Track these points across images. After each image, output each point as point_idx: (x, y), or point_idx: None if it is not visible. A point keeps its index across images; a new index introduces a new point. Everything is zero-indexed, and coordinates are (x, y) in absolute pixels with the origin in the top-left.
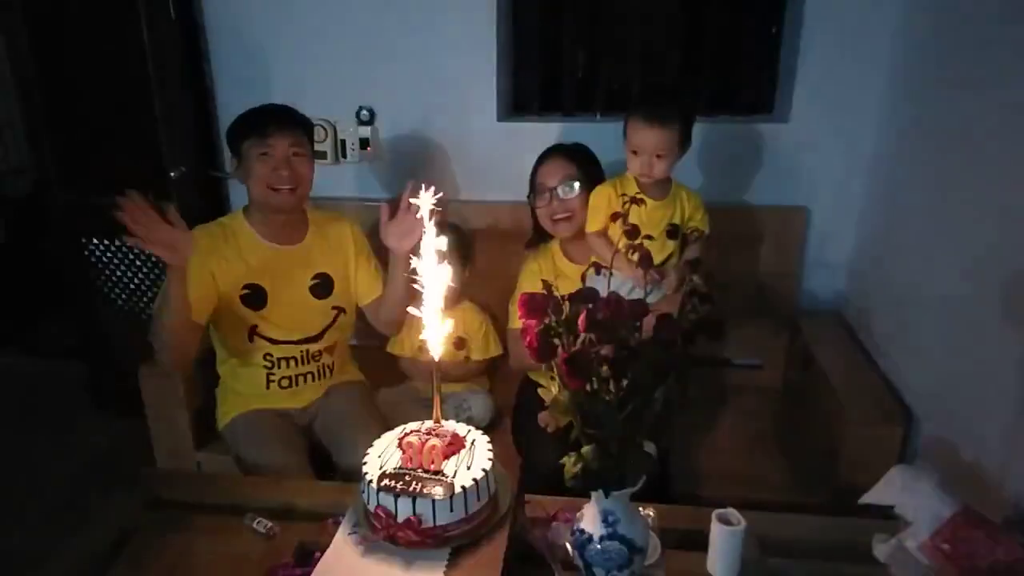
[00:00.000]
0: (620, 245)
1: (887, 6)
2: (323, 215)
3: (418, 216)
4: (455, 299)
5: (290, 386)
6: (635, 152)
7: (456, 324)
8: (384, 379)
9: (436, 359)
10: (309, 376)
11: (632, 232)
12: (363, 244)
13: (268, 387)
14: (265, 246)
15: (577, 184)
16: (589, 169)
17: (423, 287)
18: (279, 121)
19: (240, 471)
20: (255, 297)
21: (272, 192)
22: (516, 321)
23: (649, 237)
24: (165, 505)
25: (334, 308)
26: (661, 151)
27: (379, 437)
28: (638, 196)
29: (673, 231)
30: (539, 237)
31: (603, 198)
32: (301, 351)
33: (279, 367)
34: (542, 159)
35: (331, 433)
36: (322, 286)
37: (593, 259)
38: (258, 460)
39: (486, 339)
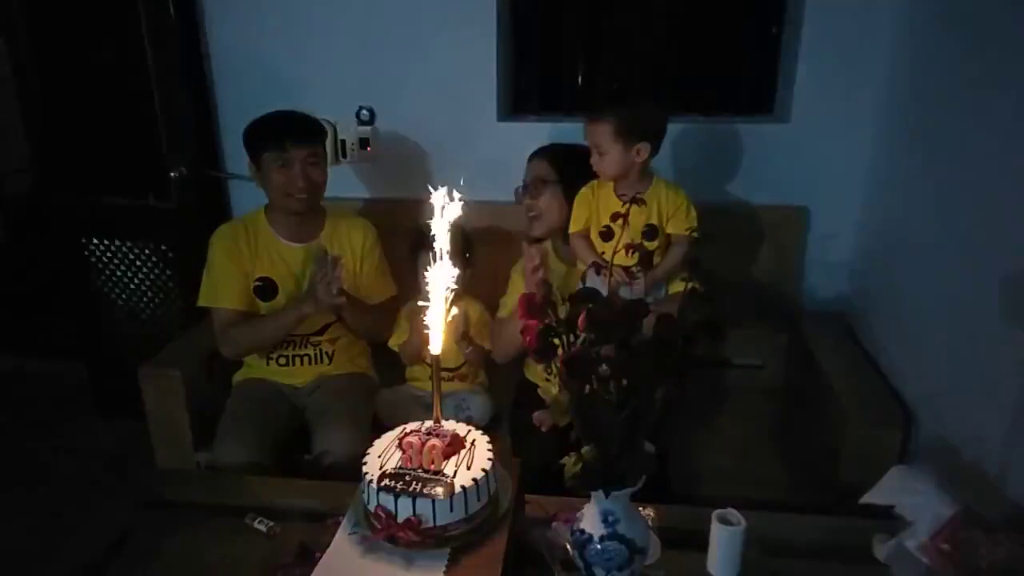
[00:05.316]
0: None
1: (887, 6)
2: (342, 214)
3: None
4: (455, 297)
5: (287, 364)
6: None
7: (458, 318)
8: (384, 379)
9: (437, 354)
10: (306, 358)
11: (598, 267)
12: (372, 249)
13: (268, 364)
14: (280, 243)
15: (548, 188)
16: (570, 173)
17: (427, 285)
18: (297, 133)
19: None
20: (266, 289)
21: (289, 198)
22: (504, 310)
23: (643, 243)
24: (165, 505)
25: None
26: (599, 147)
27: (359, 431)
28: (638, 196)
29: (650, 232)
30: None
31: (582, 199)
32: (300, 336)
33: (278, 346)
34: (530, 157)
35: (316, 417)
36: None
37: (591, 260)
38: (221, 453)
39: (486, 331)
